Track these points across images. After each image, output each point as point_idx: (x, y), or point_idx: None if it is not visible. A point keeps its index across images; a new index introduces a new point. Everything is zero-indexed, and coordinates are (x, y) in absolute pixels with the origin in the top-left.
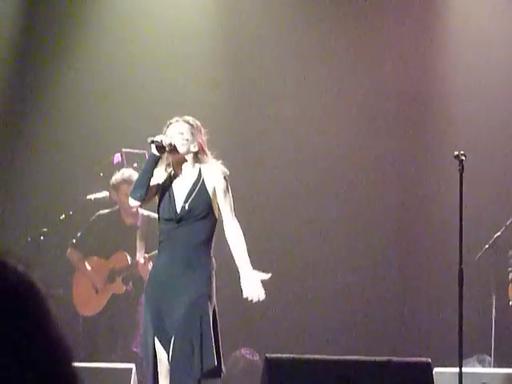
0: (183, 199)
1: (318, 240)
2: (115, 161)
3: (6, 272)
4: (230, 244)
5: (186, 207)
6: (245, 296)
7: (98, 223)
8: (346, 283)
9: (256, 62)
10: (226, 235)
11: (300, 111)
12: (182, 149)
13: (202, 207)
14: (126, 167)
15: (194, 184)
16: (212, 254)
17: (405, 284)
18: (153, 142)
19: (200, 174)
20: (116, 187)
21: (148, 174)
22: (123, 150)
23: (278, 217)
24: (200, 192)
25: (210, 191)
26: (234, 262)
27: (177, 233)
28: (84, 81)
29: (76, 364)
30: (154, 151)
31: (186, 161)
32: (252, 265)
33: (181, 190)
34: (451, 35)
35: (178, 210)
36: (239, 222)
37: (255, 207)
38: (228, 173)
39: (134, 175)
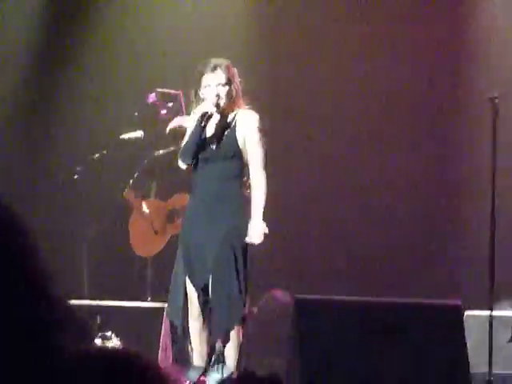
0: (212, 141)
1: (346, 183)
2: (150, 100)
3: None
4: (251, 192)
5: (214, 148)
6: (247, 240)
7: (155, 164)
8: (374, 222)
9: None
10: (251, 184)
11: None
12: (223, 101)
13: (229, 149)
14: (161, 107)
15: (225, 127)
16: (243, 191)
17: (433, 225)
18: (201, 119)
19: (234, 120)
20: (172, 137)
21: (196, 139)
22: (157, 89)
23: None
24: (229, 137)
25: (240, 138)
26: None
27: (205, 172)
28: (117, 21)
29: (108, 302)
30: (203, 123)
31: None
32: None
33: (212, 133)
34: None
35: (208, 151)
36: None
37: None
38: (260, 126)
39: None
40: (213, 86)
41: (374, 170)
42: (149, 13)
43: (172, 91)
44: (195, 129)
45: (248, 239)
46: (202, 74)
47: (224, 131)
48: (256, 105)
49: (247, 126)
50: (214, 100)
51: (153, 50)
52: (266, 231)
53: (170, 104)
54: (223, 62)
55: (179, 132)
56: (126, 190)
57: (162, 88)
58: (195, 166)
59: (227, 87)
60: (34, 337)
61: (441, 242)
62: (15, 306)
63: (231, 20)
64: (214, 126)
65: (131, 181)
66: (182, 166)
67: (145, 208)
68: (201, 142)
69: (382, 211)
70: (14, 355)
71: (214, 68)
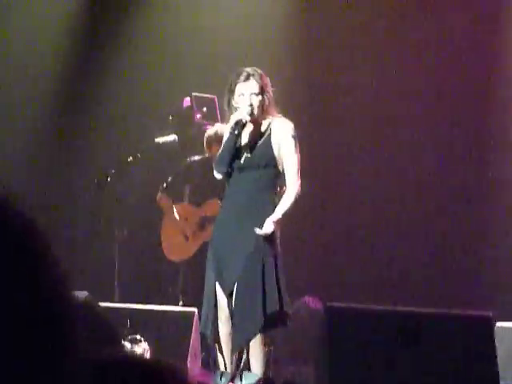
0: (246, 149)
1: (377, 188)
2: (185, 105)
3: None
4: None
5: (248, 156)
6: (257, 231)
7: (189, 169)
8: (408, 233)
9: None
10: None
11: None
12: (257, 110)
13: (264, 158)
14: (196, 112)
15: (259, 136)
16: (275, 198)
17: (467, 234)
18: (235, 127)
19: (268, 128)
20: (209, 144)
21: (230, 149)
22: (193, 93)
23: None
24: (264, 145)
25: (275, 146)
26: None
27: (239, 181)
28: (154, 25)
29: (139, 306)
30: (237, 131)
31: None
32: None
33: (246, 142)
34: None
35: (242, 160)
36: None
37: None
38: (295, 133)
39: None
40: (246, 95)
41: (403, 181)
42: (189, 14)
43: (208, 96)
44: (229, 138)
45: (258, 231)
46: (236, 83)
47: (258, 140)
48: (288, 113)
49: (282, 134)
50: (248, 109)
51: (191, 52)
52: (269, 230)
53: (205, 109)
54: (256, 71)
55: (215, 139)
56: (159, 194)
57: (198, 92)
58: (230, 174)
59: (260, 96)
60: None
61: (473, 253)
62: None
63: (271, 25)
64: (248, 134)
65: (164, 185)
66: (218, 175)
67: (176, 213)
68: (235, 151)
69: (415, 222)
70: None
71: (248, 77)
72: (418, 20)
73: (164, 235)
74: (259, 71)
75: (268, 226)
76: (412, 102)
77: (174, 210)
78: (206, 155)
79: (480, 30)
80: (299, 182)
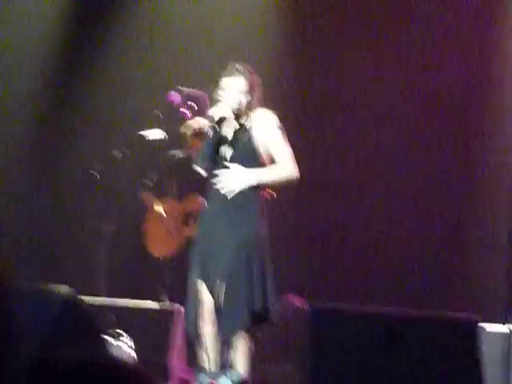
0: (228, 144)
1: (368, 193)
2: (171, 99)
3: None
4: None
5: (232, 153)
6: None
7: (172, 165)
8: (394, 234)
9: None
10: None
11: None
12: (241, 107)
13: (247, 154)
14: (182, 105)
15: (242, 131)
16: (259, 197)
17: (454, 241)
18: (218, 123)
19: (250, 122)
20: (187, 139)
21: (214, 145)
22: (179, 87)
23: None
24: (245, 139)
25: (258, 141)
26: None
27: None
28: (138, 19)
29: (124, 301)
30: (218, 127)
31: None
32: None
33: (228, 137)
34: None
35: (225, 156)
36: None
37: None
38: (278, 122)
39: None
40: (232, 90)
41: (390, 182)
42: (171, 11)
43: (194, 91)
44: (210, 132)
45: (218, 183)
46: (222, 77)
47: (240, 135)
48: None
49: (266, 128)
50: (232, 105)
51: (174, 48)
52: (236, 188)
53: (193, 103)
54: (246, 67)
55: (194, 133)
56: (142, 190)
57: (184, 86)
58: (212, 169)
59: (247, 94)
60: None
61: (459, 255)
62: None
63: (255, 21)
64: (230, 129)
65: (147, 181)
66: (199, 169)
67: (159, 208)
68: (216, 146)
69: (401, 223)
70: None
71: (235, 72)
72: (414, 20)
73: (147, 231)
74: (250, 69)
75: (227, 181)
76: (407, 101)
77: (157, 205)
78: (186, 150)
79: (475, 28)
80: (295, 166)
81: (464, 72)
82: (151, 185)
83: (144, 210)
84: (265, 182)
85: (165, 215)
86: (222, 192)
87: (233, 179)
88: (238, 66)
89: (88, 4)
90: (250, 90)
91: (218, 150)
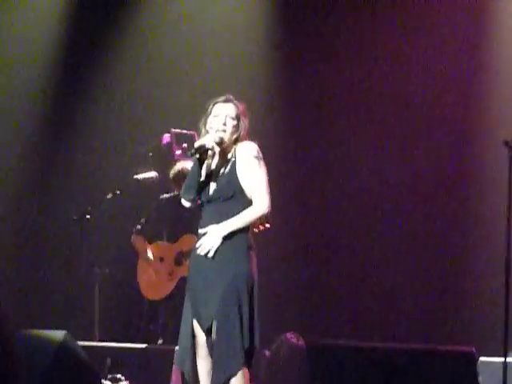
0: (212, 179)
1: (362, 227)
2: (164, 141)
3: None
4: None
5: (215, 188)
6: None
7: (162, 207)
8: (388, 270)
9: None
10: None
11: None
12: (228, 135)
13: (230, 188)
14: (176, 148)
15: (225, 165)
16: (249, 234)
17: (450, 272)
18: (196, 151)
19: (233, 155)
20: (176, 181)
21: (196, 175)
22: (172, 130)
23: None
24: (229, 173)
25: (240, 174)
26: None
27: (209, 214)
28: (132, 61)
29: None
30: (198, 155)
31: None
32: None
33: (214, 171)
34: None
35: (210, 191)
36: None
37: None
38: (259, 154)
39: (188, 167)
40: (221, 116)
41: (389, 211)
42: (167, 52)
43: (187, 131)
44: (194, 164)
45: (197, 244)
46: (214, 104)
47: (222, 167)
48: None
49: (244, 158)
50: (217, 135)
51: (168, 91)
52: (213, 245)
53: (185, 145)
54: (236, 100)
55: (181, 175)
56: (133, 235)
57: (177, 128)
58: (202, 205)
59: (235, 121)
60: None
61: (455, 289)
62: None
63: (246, 60)
64: (216, 163)
65: (137, 226)
66: (186, 203)
67: (149, 254)
68: (200, 179)
69: (395, 254)
70: None
71: (226, 100)
72: (412, 22)
73: (140, 276)
74: (240, 100)
75: (203, 243)
76: (405, 103)
77: (148, 250)
78: (175, 192)
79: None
80: (268, 199)
81: (464, 72)
82: (142, 229)
83: (136, 254)
84: (236, 228)
85: (156, 260)
86: (202, 254)
87: (207, 240)
88: (228, 95)
89: (75, 47)
90: (239, 118)
91: (202, 183)
